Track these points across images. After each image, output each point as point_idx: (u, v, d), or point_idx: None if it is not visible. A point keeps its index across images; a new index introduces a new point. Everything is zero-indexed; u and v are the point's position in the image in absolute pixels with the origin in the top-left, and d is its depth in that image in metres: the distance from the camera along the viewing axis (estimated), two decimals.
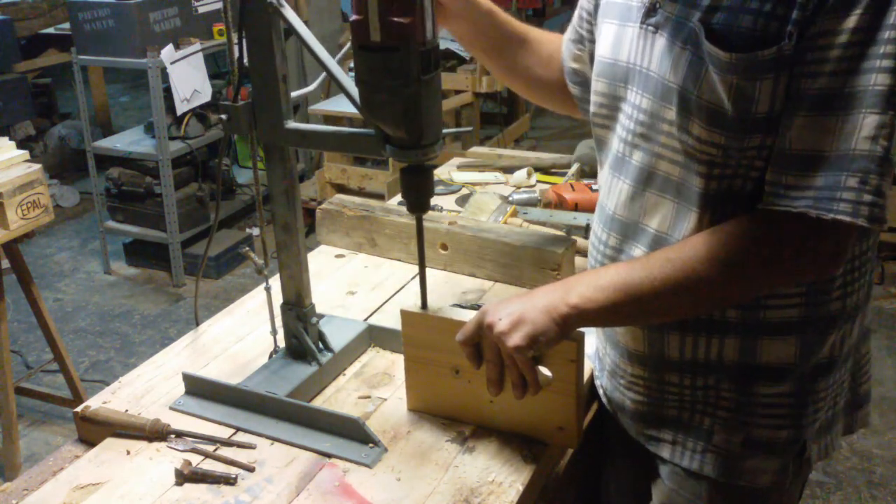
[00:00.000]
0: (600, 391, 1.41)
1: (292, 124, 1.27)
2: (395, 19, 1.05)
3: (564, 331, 1.12)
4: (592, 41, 1.38)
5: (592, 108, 1.30)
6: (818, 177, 1.00)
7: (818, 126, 1.00)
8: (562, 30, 1.53)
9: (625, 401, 1.32)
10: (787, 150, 1.03)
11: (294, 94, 1.30)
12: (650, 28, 1.15)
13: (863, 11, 0.96)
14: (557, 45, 1.50)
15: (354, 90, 1.16)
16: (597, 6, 1.32)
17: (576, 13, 1.44)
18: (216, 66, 5.36)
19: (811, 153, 1.01)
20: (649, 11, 1.15)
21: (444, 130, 1.19)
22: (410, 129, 1.13)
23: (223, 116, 1.27)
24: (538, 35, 1.52)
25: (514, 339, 1.11)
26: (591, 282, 1.13)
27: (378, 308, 1.65)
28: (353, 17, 1.08)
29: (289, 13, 1.21)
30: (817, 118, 1.00)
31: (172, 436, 1.27)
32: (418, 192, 1.21)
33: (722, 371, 1.21)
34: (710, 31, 1.05)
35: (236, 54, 1.24)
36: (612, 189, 1.27)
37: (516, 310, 1.13)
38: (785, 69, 1.01)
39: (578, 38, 1.43)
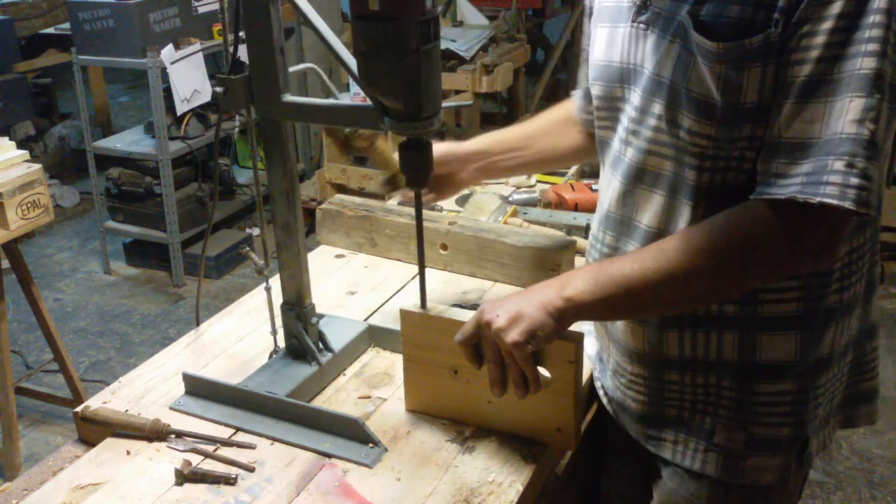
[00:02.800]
0: (601, 392, 1.41)
1: (289, 98, 1.25)
2: None
3: (561, 325, 1.13)
4: None
5: (595, 112, 1.31)
6: (806, 163, 1.00)
7: (806, 113, 1.00)
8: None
9: (626, 400, 1.32)
10: (777, 139, 1.03)
11: (292, 69, 1.28)
12: (641, 26, 1.16)
13: None
14: (563, 116, 1.55)
15: (352, 61, 1.14)
16: (591, 15, 1.32)
17: (581, 69, 1.45)
18: (216, 66, 5.35)
19: (800, 140, 1.01)
20: (640, 9, 1.16)
21: (444, 104, 1.16)
22: (409, 100, 1.11)
23: (219, 89, 1.25)
24: (546, 125, 1.56)
25: (512, 335, 1.11)
26: (586, 276, 1.14)
27: (378, 308, 1.65)
28: None
29: None
30: (805, 105, 1.00)
31: (172, 436, 1.27)
32: (417, 166, 1.19)
33: (722, 369, 1.21)
34: (698, 23, 1.05)
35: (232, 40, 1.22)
36: (608, 187, 1.27)
37: (513, 306, 1.13)
38: (772, 58, 1.02)
39: (586, 93, 1.45)
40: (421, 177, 1.20)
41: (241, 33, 1.22)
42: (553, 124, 1.56)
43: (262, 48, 1.22)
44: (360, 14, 1.07)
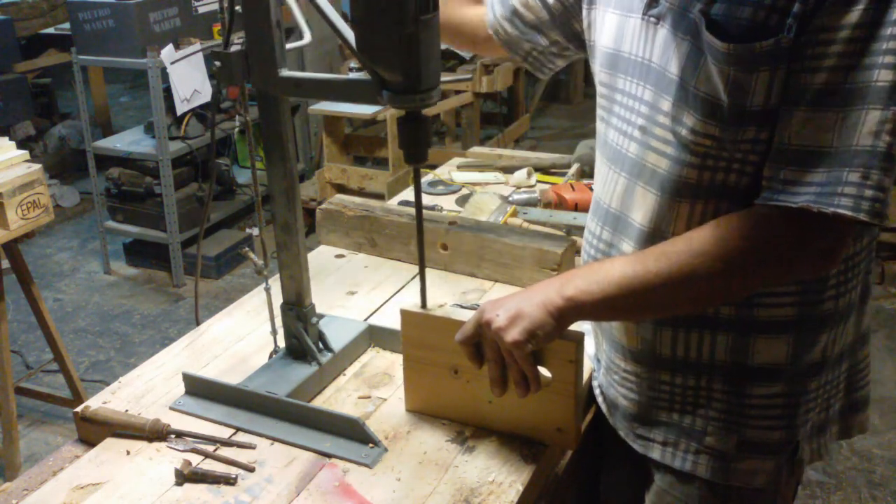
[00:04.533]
0: (597, 390, 1.41)
1: (286, 72, 1.24)
2: None
3: (561, 324, 1.13)
4: (564, 3, 1.41)
5: (597, 98, 1.31)
6: (819, 172, 1.00)
7: (818, 121, 1.00)
8: None
9: (618, 398, 1.32)
10: (786, 146, 1.03)
11: (289, 45, 1.27)
12: (652, 19, 1.15)
13: (865, 7, 0.96)
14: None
15: (350, 34, 1.12)
16: None
17: None
18: (216, 65, 5.35)
19: (811, 148, 1.01)
20: (651, 2, 1.15)
21: (443, 78, 1.15)
22: (408, 71, 1.09)
23: (216, 63, 1.23)
24: None
25: (512, 334, 1.11)
26: (586, 275, 1.13)
27: (378, 308, 1.65)
28: None
29: None
30: (817, 113, 1.00)
31: (172, 436, 1.27)
32: (416, 141, 1.17)
33: (714, 371, 1.20)
34: (710, 22, 1.05)
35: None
36: (607, 182, 1.27)
37: (513, 306, 1.13)
38: (782, 62, 1.01)
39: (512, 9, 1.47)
40: (420, 152, 1.18)
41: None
42: None
43: (258, 22, 1.21)
44: None
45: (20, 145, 2.72)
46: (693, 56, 1.08)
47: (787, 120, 1.03)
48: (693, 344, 1.20)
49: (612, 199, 1.25)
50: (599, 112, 1.30)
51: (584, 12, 1.35)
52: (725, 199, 1.11)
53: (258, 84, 1.25)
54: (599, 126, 1.30)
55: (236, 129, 4.62)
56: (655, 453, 1.28)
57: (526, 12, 1.47)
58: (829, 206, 0.98)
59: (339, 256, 1.87)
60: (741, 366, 1.19)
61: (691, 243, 1.08)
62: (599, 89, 1.29)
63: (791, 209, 1.02)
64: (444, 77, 1.14)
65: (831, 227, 1.02)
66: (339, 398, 1.38)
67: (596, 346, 1.39)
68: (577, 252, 1.71)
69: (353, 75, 1.20)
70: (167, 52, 4.01)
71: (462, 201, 2.11)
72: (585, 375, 1.36)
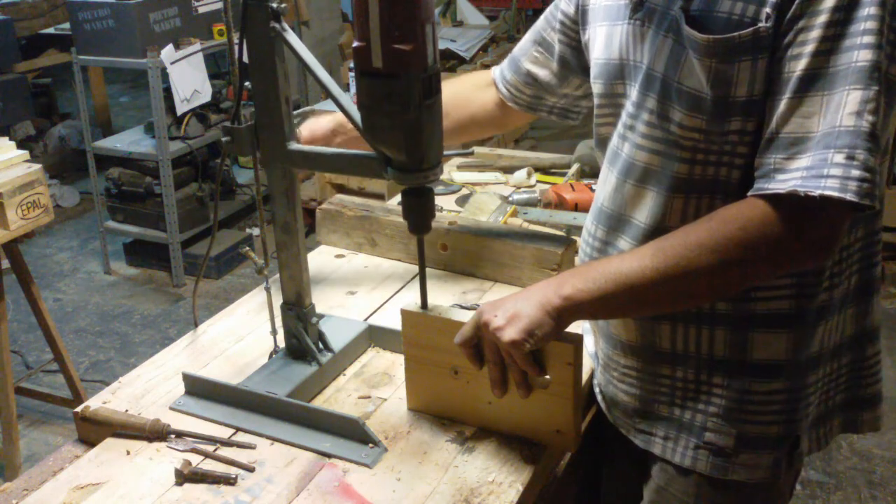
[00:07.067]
0: (596, 389, 1.41)
1: (295, 146, 1.29)
2: (397, 46, 1.06)
3: (560, 324, 1.13)
4: (569, 44, 1.43)
5: (595, 110, 1.32)
6: (806, 157, 1.00)
7: (803, 108, 1.01)
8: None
9: (617, 394, 1.33)
10: (774, 134, 1.04)
11: (295, 112, 1.32)
12: (637, 22, 1.17)
13: None
14: (470, 86, 1.61)
15: (357, 113, 1.17)
16: (583, 13, 1.34)
17: (543, 18, 1.49)
18: (216, 66, 5.36)
19: (798, 135, 1.01)
20: (636, 6, 1.17)
21: (445, 152, 1.20)
22: (412, 153, 1.14)
23: (226, 139, 1.28)
24: (455, 97, 1.58)
25: (510, 334, 1.11)
26: (584, 274, 1.14)
27: (378, 308, 1.65)
28: (356, 44, 1.09)
29: (291, 37, 1.22)
30: (802, 99, 1.01)
31: (172, 436, 1.27)
32: (420, 213, 1.22)
33: (713, 366, 1.21)
34: (690, 18, 1.07)
35: (238, 72, 1.25)
36: (604, 182, 1.29)
37: (511, 306, 1.13)
38: (762, 52, 1.03)
39: (541, 40, 1.49)
40: (423, 223, 1.23)
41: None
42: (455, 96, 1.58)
43: (268, 98, 1.25)
44: (364, 71, 1.09)
45: (20, 145, 2.72)
46: (676, 52, 1.10)
47: (773, 109, 1.04)
48: (692, 338, 1.20)
49: (604, 197, 1.27)
50: (601, 120, 1.31)
51: (582, 37, 1.37)
52: (720, 194, 1.11)
53: (267, 157, 1.29)
54: (604, 132, 1.31)
55: None
56: (656, 448, 1.28)
57: (538, 69, 1.51)
58: (816, 188, 0.98)
59: (339, 256, 1.87)
60: (741, 361, 1.19)
61: (686, 237, 1.08)
62: (597, 101, 1.30)
63: (780, 196, 1.02)
64: (447, 151, 1.22)
65: (823, 213, 1.01)
66: (339, 398, 1.38)
67: (594, 344, 1.40)
68: (577, 252, 1.72)
69: (359, 151, 1.24)
70: (167, 52, 4.01)
71: (462, 201, 2.11)
72: (585, 375, 1.36)
